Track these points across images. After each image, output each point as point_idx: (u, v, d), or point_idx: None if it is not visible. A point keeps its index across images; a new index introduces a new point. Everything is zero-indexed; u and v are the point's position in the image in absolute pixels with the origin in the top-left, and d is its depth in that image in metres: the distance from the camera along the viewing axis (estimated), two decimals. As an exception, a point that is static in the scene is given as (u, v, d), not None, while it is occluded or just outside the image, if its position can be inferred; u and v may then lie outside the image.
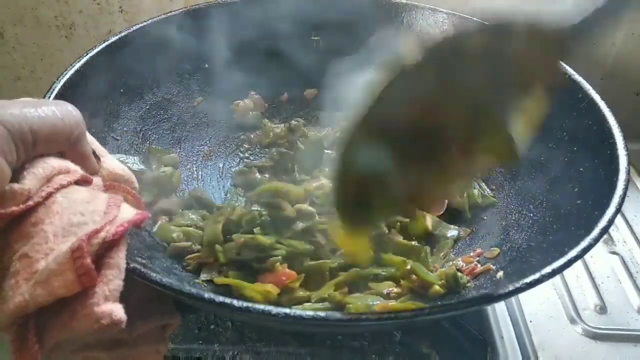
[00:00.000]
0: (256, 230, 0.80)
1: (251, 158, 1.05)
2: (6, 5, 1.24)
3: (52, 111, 0.53)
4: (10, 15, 1.26)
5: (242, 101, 1.08)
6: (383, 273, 0.77)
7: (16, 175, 0.50)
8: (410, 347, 0.84)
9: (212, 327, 0.87)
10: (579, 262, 0.73)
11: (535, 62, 0.55)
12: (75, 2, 1.24)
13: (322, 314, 0.52)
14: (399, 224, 0.85)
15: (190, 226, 0.83)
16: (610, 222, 0.64)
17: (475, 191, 0.91)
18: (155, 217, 0.84)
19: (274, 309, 0.51)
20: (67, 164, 0.55)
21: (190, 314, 0.87)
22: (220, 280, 0.74)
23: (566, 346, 0.83)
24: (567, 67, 0.87)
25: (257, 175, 0.97)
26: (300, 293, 0.76)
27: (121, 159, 0.83)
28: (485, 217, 0.89)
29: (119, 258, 0.48)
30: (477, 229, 0.88)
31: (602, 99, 0.80)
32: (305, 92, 1.12)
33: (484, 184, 0.93)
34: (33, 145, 0.51)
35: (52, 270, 0.45)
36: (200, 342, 0.85)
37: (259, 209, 0.83)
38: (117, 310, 0.45)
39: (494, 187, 0.93)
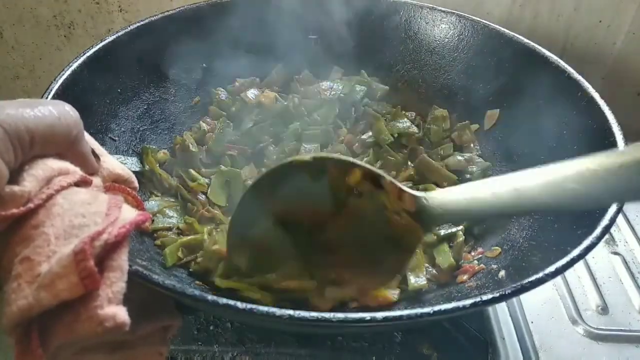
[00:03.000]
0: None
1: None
2: (5, 5, 1.23)
3: (49, 111, 0.52)
4: (9, 15, 1.25)
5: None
6: None
7: (16, 177, 0.50)
8: (410, 348, 0.84)
9: (211, 328, 0.86)
10: (581, 263, 0.73)
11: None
12: (74, 1, 1.23)
13: (326, 315, 0.51)
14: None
15: (181, 233, 0.84)
16: (612, 220, 0.64)
17: None
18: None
19: (277, 311, 0.51)
20: (66, 165, 0.55)
21: (189, 315, 0.87)
22: (223, 283, 0.74)
23: (567, 347, 0.83)
24: (567, 66, 0.87)
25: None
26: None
27: (119, 159, 0.83)
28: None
29: (122, 260, 0.48)
30: (478, 228, 0.88)
31: (602, 98, 0.80)
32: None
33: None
34: (30, 145, 0.50)
35: (55, 273, 0.45)
36: (200, 343, 0.84)
37: None
38: (121, 313, 0.45)
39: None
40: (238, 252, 0.70)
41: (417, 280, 0.77)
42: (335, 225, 0.66)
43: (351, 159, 0.65)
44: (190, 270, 0.78)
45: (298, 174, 0.65)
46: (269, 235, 0.68)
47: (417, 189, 0.74)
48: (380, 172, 0.64)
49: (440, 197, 0.62)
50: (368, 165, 0.64)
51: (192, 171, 0.92)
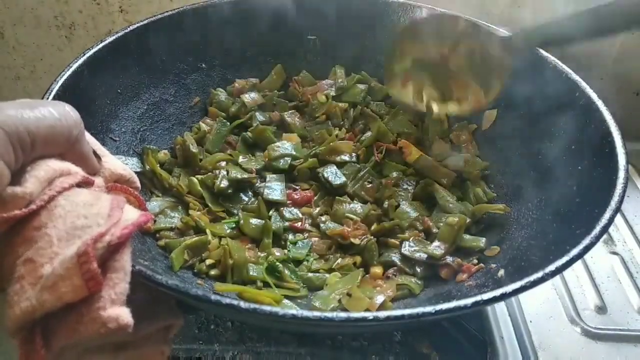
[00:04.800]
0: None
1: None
2: (6, 5, 1.23)
3: (50, 112, 0.52)
4: (10, 15, 1.25)
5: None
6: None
7: (17, 179, 0.50)
8: (410, 347, 0.84)
9: (212, 327, 0.86)
10: (579, 262, 0.73)
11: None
12: (75, 1, 1.23)
13: (329, 314, 0.52)
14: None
15: (184, 234, 0.84)
16: (611, 220, 0.64)
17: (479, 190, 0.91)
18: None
19: (280, 310, 0.51)
20: (68, 166, 0.55)
21: (190, 314, 0.87)
22: (222, 288, 0.74)
23: (566, 346, 0.83)
24: (565, 66, 0.87)
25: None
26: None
27: (120, 160, 0.83)
28: (484, 215, 0.89)
29: (124, 261, 0.48)
30: (477, 227, 0.88)
31: (602, 98, 0.80)
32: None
33: (483, 181, 0.94)
34: (31, 146, 0.50)
35: (58, 275, 0.45)
36: (200, 342, 0.85)
37: None
38: (124, 314, 0.45)
39: (492, 186, 0.93)
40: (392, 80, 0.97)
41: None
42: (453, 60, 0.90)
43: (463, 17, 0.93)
44: (195, 270, 0.79)
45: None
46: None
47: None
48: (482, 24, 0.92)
49: (523, 35, 0.85)
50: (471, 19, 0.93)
51: (193, 178, 0.91)
